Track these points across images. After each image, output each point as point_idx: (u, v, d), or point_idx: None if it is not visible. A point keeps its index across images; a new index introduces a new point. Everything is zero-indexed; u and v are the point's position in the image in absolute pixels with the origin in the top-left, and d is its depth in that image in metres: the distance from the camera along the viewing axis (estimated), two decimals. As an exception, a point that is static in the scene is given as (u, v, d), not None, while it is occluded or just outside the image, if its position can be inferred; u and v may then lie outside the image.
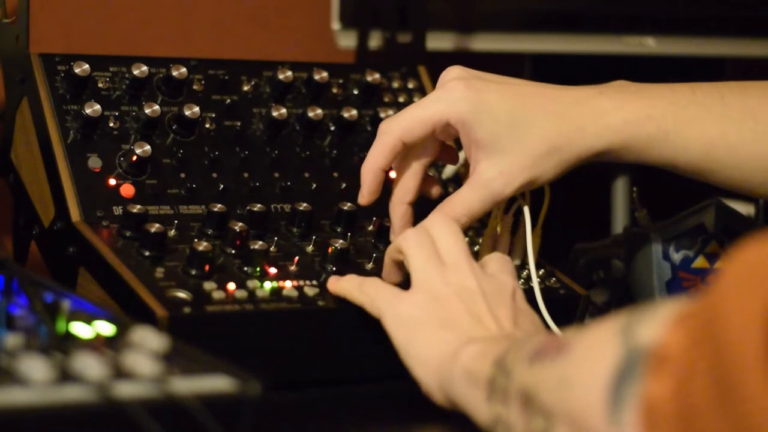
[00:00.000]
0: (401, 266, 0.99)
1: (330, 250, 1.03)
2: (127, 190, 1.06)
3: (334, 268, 1.02)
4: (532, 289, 1.05)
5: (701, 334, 0.63)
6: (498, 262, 0.97)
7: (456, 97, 1.00)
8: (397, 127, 1.02)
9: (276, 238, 1.06)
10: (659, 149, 1.01)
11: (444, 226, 0.97)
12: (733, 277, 0.62)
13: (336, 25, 1.38)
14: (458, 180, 1.17)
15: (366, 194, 1.04)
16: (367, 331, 0.95)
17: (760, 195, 1.08)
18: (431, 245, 0.95)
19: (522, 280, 1.08)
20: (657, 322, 0.67)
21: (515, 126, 1.00)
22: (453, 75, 1.02)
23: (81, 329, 0.81)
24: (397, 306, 0.93)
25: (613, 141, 1.01)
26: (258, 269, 1.00)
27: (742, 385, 0.60)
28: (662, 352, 0.65)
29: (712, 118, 1.01)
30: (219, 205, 1.05)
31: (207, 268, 0.98)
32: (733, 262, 0.63)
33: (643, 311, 0.70)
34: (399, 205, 1.05)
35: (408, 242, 0.96)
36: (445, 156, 1.09)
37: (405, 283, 0.97)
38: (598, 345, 0.71)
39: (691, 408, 0.63)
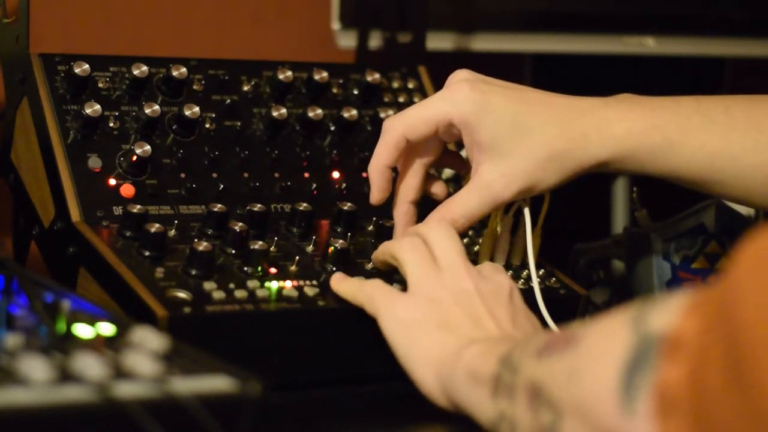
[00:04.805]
0: (389, 265, 1.00)
1: (330, 250, 1.03)
2: (127, 190, 1.06)
3: (334, 268, 1.02)
4: (532, 289, 1.05)
5: (715, 319, 0.63)
6: (492, 266, 0.98)
7: (461, 97, 1.01)
8: (401, 124, 1.02)
9: (276, 238, 1.06)
10: (663, 160, 1.01)
11: (439, 230, 0.97)
12: (747, 263, 0.62)
13: (336, 25, 1.38)
14: (458, 180, 1.17)
15: (376, 192, 1.04)
16: (367, 331, 0.95)
17: (761, 207, 1.07)
18: (426, 250, 0.95)
19: (522, 280, 1.08)
20: (670, 310, 0.67)
21: (518, 129, 1.00)
22: (460, 77, 1.02)
23: (81, 329, 0.81)
24: (393, 307, 0.93)
25: (617, 150, 1.01)
26: (258, 269, 1.00)
27: (757, 370, 0.60)
28: (676, 338, 0.65)
29: (716, 128, 1.01)
30: (219, 205, 1.05)
31: (207, 268, 0.98)
32: (746, 249, 0.63)
33: (655, 301, 0.69)
34: (402, 204, 1.06)
35: (402, 248, 0.96)
36: (451, 162, 1.09)
37: (401, 283, 0.98)
38: (609, 335, 0.71)
39: (705, 393, 0.63)
